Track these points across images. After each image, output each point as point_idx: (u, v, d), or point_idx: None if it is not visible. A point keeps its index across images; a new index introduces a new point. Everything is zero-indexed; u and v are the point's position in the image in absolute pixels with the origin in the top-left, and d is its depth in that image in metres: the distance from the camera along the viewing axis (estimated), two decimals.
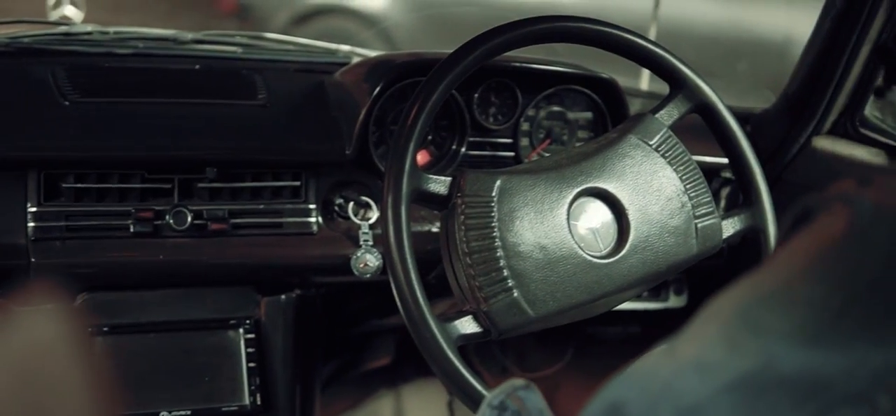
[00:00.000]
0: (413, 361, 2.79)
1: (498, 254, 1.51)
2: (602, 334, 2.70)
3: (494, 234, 1.52)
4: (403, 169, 1.50)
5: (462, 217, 1.52)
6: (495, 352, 2.78)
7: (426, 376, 2.86)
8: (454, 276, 1.56)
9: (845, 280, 0.71)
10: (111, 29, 2.09)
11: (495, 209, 1.53)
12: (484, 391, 1.48)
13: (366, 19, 6.48)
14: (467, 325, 1.52)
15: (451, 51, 1.64)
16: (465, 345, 1.54)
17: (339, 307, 2.26)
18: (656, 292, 2.41)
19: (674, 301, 2.47)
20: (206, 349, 1.85)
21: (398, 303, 1.49)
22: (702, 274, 2.31)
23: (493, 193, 1.54)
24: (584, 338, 2.71)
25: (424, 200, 1.56)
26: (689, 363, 0.74)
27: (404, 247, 1.48)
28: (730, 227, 1.70)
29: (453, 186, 1.55)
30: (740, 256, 2.17)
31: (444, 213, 1.58)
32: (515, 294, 1.51)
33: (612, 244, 1.61)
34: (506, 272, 1.51)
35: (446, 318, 1.51)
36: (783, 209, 1.70)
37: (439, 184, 1.56)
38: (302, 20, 6.62)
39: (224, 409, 1.83)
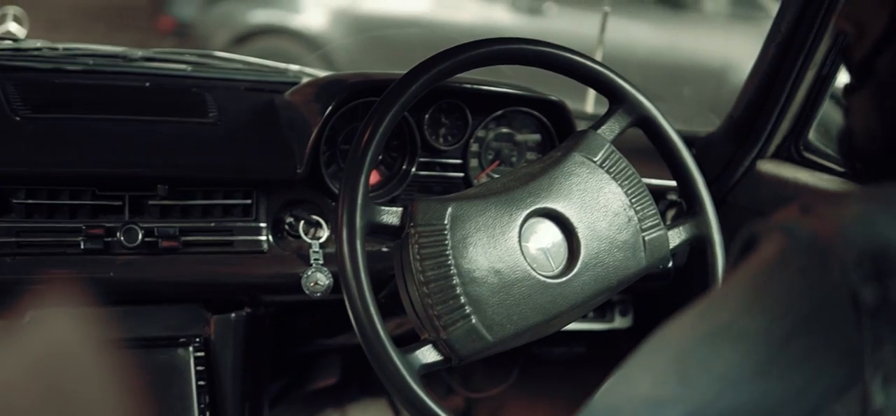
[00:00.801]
0: (359, 381, 2.79)
1: (454, 282, 1.52)
2: (547, 354, 2.72)
3: (449, 262, 1.53)
4: (356, 202, 1.51)
5: (416, 247, 1.53)
6: (441, 373, 2.79)
7: (371, 395, 2.86)
8: (410, 304, 1.57)
9: (786, 312, 0.74)
10: (61, 45, 2.09)
11: (448, 237, 1.54)
12: None
13: (305, 40, 6.49)
14: (428, 354, 1.53)
15: (398, 72, 1.65)
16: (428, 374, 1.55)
17: (286, 326, 2.26)
18: (602, 312, 2.43)
19: (619, 322, 2.49)
20: (155, 367, 1.84)
21: (360, 339, 1.50)
22: (647, 296, 2.34)
23: (446, 221, 1.55)
24: (529, 358, 2.73)
25: (378, 232, 1.57)
26: (644, 400, 0.78)
27: (362, 283, 1.49)
28: (675, 237, 1.72)
29: (405, 216, 1.56)
30: (685, 278, 2.20)
31: (398, 243, 1.59)
32: (473, 321, 1.52)
33: (564, 263, 1.63)
34: (463, 299, 1.52)
35: (408, 349, 1.52)
36: (728, 232, 1.74)
37: (392, 215, 1.57)
38: (241, 40, 6.61)
39: None
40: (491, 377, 2.88)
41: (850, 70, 0.91)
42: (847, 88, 0.93)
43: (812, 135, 2.09)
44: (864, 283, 0.71)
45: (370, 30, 6.43)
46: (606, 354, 2.65)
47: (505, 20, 6.47)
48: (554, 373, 2.85)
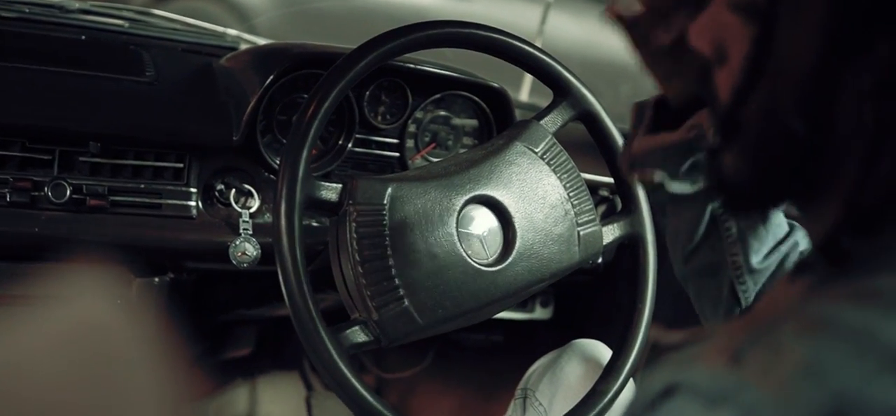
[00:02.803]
0: (271, 353, 2.77)
1: (389, 263, 1.51)
2: (465, 339, 2.73)
3: (386, 243, 1.52)
4: (297, 176, 1.49)
5: (354, 225, 1.52)
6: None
7: (283, 369, 2.85)
8: (343, 282, 1.55)
9: None
10: None
11: (387, 218, 1.53)
12: (377, 404, 1.49)
13: (227, 2, 6.40)
14: (358, 334, 1.52)
15: (335, 44, 1.62)
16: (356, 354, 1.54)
17: (206, 293, 2.22)
18: (523, 302, 2.44)
19: (540, 313, 2.51)
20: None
21: (292, 314, 1.47)
22: (569, 288, 2.36)
23: (385, 201, 1.54)
24: (446, 342, 2.74)
25: (315, 207, 1.55)
26: None
27: (297, 258, 1.47)
28: (609, 234, 1.73)
29: (344, 193, 1.55)
30: (607, 274, 2.22)
31: (335, 219, 1.57)
32: (406, 303, 1.52)
33: (499, 252, 1.63)
34: (397, 282, 1.51)
35: (338, 328, 1.50)
36: (658, 231, 1.75)
37: (331, 191, 1.55)
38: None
39: None
40: (405, 358, 2.89)
41: (712, 106, 0.79)
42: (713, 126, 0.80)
43: None
44: None
45: (294, 4, 6.35)
46: (523, 343, 2.68)
47: (430, 1, 6.43)
48: (468, 359, 2.86)
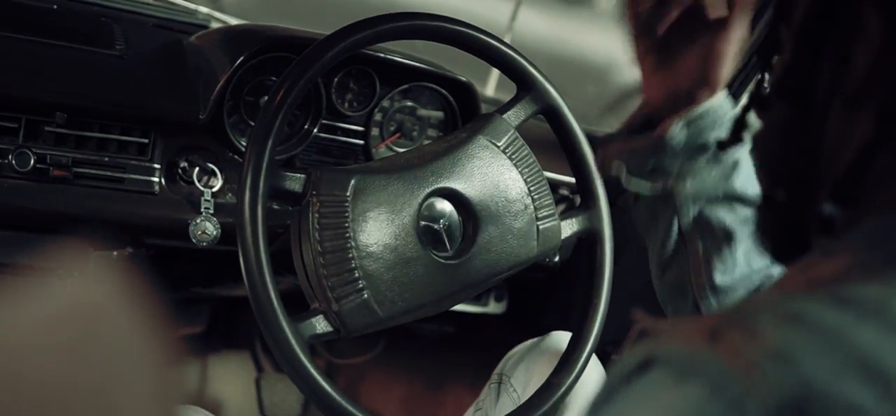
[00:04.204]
0: (224, 332, 2.76)
1: (350, 255, 1.52)
2: (417, 329, 2.74)
3: (348, 234, 1.53)
4: (262, 165, 1.49)
5: (317, 216, 1.53)
6: None
7: (235, 348, 2.85)
8: (304, 271, 1.56)
9: None
10: None
11: (349, 209, 1.54)
12: (334, 393, 1.50)
13: None
14: (318, 324, 1.53)
15: (306, 29, 1.62)
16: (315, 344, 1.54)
17: (162, 269, 2.22)
18: (477, 296, 2.45)
19: (493, 307, 2.52)
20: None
21: (253, 304, 1.47)
22: (522, 284, 2.38)
23: (348, 193, 1.55)
24: (398, 331, 2.74)
25: (279, 196, 1.56)
26: None
27: (260, 248, 1.47)
28: (568, 228, 1.75)
29: (308, 184, 1.55)
30: (561, 272, 2.23)
31: (297, 209, 1.58)
32: (366, 295, 1.53)
33: (459, 245, 1.65)
34: (357, 273, 1.52)
35: (298, 318, 1.51)
36: (619, 225, 1.77)
37: (295, 181, 1.55)
38: None
39: None
40: (357, 345, 2.90)
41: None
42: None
43: None
44: None
45: None
46: (475, 336, 2.69)
47: None
48: (419, 349, 2.87)
